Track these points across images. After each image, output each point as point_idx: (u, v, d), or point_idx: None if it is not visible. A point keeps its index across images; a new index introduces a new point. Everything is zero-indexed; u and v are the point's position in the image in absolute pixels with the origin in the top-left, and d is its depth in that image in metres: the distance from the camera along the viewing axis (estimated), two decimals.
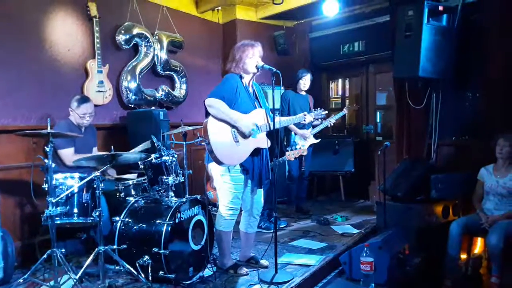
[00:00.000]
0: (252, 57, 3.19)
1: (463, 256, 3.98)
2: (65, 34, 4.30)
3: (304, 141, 4.95)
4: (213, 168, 3.31)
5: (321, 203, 6.08)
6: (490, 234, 3.48)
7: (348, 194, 6.14)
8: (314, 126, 5.02)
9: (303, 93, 5.14)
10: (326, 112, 3.83)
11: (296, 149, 3.97)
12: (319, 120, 3.87)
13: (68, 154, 3.62)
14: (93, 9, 4.41)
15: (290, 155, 3.95)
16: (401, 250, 3.62)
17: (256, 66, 3.20)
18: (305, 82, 5.06)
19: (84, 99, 3.83)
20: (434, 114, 4.91)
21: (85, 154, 3.60)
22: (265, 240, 4.19)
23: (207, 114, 3.14)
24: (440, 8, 4.41)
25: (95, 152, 3.99)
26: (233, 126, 3.12)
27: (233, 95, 3.12)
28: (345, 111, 5.24)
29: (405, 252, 3.69)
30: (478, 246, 4.18)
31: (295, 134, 4.98)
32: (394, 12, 4.94)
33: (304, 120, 3.54)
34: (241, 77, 3.24)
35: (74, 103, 3.76)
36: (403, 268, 3.60)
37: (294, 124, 4.84)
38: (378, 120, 6.42)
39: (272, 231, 3.19)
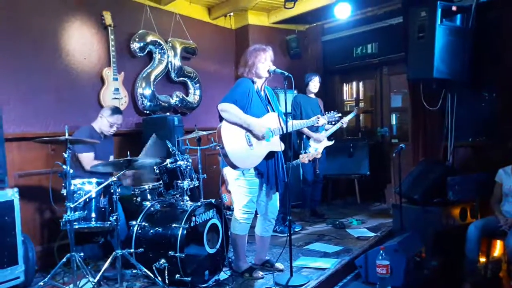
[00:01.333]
0: (265, 62, 3.21)
1: (482, 259, 3.92)
2: (81, 43, 4.39)
3: (318, 144, 4.95)
4: (227, 172, 3.32)
5: (336, 206, 6.06)
6: (510, 237, 3.42)
7: (364, 197, 6.10)
8: (326, 129, 5.02)
9: (313, 96, 5.14)
10: (340, 114, 3.81)
11: (310, 152, 3.97)
12: (333, 122, 3.84)
13: (88, 159, 3.69)
14: (108, 18, 4.50)
15: (304, 158, 3.95)
16: (418, 253, 3.58)
17: (268, 70, 3.21)
18: (315, 84, 5.07)
19: (119, 110, 3.96)
20: (450, 116, 4.86)
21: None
22: (280, 243, 4.18)
23: (221, 119, 3.16)
24: (454, 8, 4.36)
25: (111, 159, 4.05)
26: (246, 130, 3.14)
27: (245, 99, 3.14)
28: (355, 111, 5.21)
29: (421, 255, 3.65)
30: (498, 249, 4.11)
31: (308, 138, 4.97)
32: (406, 14, 4.90)
33: (318, 123, 3.53)
34: (253, 82, 3.26)
35: (107, 111, 3.85)
36: (420, 271, 3.56)
37: (308, 127, 4.85)
38: (393, 122, 6.37)
39: (287, 234, 3.19)
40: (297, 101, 5.05)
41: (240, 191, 3.25)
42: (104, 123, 3.84)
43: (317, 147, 4.90)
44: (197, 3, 5.70)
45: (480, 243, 3.72)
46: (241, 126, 3.13)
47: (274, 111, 3.34)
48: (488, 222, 3.76)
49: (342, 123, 4.94)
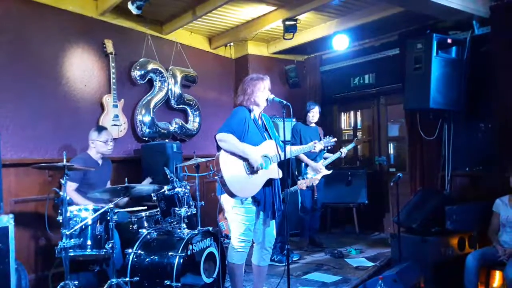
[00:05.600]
0: (264, 91, 3.25)
1: None
2: (82, 70, 4.46)
3: (316, 173, 4.93)
4: (224, 199, 3.31)
5: (334, 235, 6.01)
6: (508, 267, 3.39)
7: (362, 226, 6.06)
8: (325, 158, 5.03)
9: (313, 125, 5.17)
10: (335, 139, 3.82)
11: (307, 178, 3.97)
12: (330, 147, 3.84)
13: (68, 188, 3.63)
14: (109, 46, 4.59)
15: (302, 184, 3.95)
16: (416, 283, 3.54)
17: (267, 99, 3.25)
18: (314, 114, 5.10)
19: (102, 127, 4.01)
20: (447, 145, 4.90)
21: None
22: (278, 273, 4.13)
23: (219, 148, 3.18)
24: (449, 41, 4.48)
25: (108, 185, 4.05)
26: (244, 159, 3.15)
27: (242, 127, 3.16)
28: (354, 142, 5.17)
29: (420, 285, 3.60)
30: (497, 279, 4.05)
31: (306, 166, 4.97)
32: (403, 45, 5.02)
33: (314, 149, 3.55)
34: (250, 110, 3.28)
35: (94, 133, 3.86)
36: None
37: (306, 156, 4.86)
38: (390, 152, 6.40)
39: (284, 264, 3.15)
40: (296, 129, 5.08)
41: (237, 219, 3.22)
42: (99, 145, 3.85)
43: (314, 174, 4.89)
44: (198, 33, 5.81)
45: (479, 274, 3.68)
46: (238, 156, 3.13)
47: (271, 139, 3.36)
48: (487, 252, 3.73)
49: (341, 153, 4.95)
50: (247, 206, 3.19)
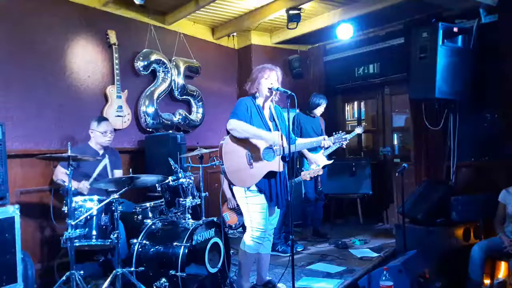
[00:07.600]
0: (268, 79, 3.21)
1: (487, 281, 3.87)
2: (85, 61, 4.44)
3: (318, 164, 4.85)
4: (236, 190, 3.28)
5: (339, 226, 6.01)
6: None
7: (367, 217, 6.06)
8: (326, 148, 4.93)
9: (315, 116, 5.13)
10: (348, 135, 3.64)
11: (311, 168, 3.93)
12: (339, 144, 3.67)
13: (58, 171, 3.69)
14: (113, 37, 4.56)
15: (306, 175, 3.92)
16: (422, 274, 3.53)
17: (270, 88, 3.22)
18: (322, 109, 5.05)
19: (103, 118, 4.00)
20: (452, 135, 4.87)
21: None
22: (282, 263, 4.13)
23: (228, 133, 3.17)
24: (455, 29, 4.42)
25: (119, 174, 4.01)
26: (258, 138, 3.13)
27: (245, 114, 3.16)
28: (356, 130, 5.00)
29: (425, 276, 3.60)
30: (502, 270, 4.06)
31: (306, 159, 4.90)
32: (408, 35, 4.97)
33: (323, 145, 3.45)
34: (255, 98, 3.27)
35: (94, 123, 3.86)
36: None
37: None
38: (395, 142, 6.37)
39: (289, 254, 3.14)
40: (297, 120, 5.03)
41: (251, 208, 3.19)
42: (97, 135, 3.85)
43: (318, 164, 4.81)
44: (201, 23, 5.77)
45: (484, 264, 3.67)
46: (246, 146, 3.12)
47: (277, 129, 3.32)
48: (492, 243, 3.72)
49: (342, 143, 4.85)
50: (257, 194, 3.17)
